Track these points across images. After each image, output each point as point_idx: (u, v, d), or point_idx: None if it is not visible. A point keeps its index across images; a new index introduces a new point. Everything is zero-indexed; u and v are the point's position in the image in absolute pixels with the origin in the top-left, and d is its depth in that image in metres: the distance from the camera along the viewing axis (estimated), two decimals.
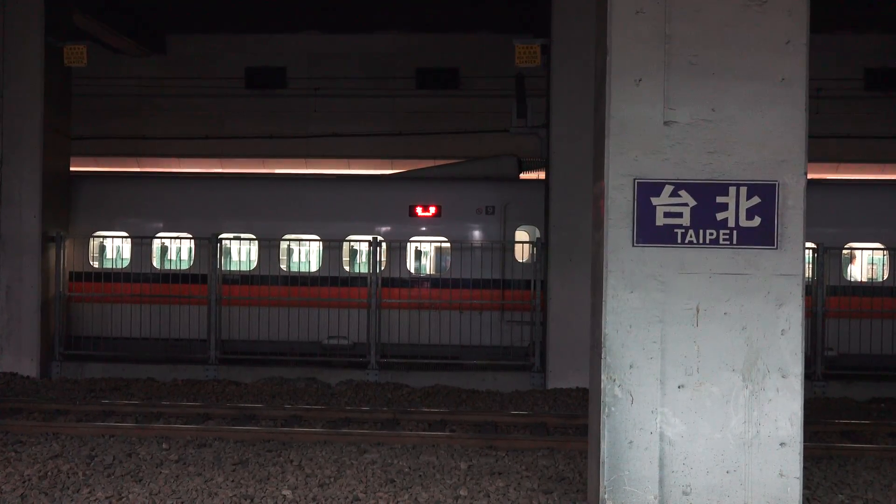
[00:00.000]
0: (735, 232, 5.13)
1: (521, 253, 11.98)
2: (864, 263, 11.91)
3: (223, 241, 11.86)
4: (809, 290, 10.55)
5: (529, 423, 8.83)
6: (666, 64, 5.14)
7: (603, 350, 5.20)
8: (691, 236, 5.14)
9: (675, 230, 5.14)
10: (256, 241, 12.15)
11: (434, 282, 11.93)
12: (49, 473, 6.62)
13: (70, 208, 12.37)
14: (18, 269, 11.45)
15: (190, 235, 12.23)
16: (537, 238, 11.69)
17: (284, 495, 6.16)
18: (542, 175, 12.17)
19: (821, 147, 13.57)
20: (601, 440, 5.20)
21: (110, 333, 11.91)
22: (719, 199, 5.13)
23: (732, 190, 5.12)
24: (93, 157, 16.23)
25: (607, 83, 5.22)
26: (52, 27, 11.55)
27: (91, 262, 12.31)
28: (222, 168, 17.01)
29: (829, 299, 11.00)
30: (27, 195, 11.48)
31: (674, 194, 5.14)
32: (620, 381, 5.18)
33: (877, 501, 6.26)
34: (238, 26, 16.13)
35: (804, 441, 5.18)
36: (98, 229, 12.44)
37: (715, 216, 5.13)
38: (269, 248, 12.09)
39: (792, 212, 5.13)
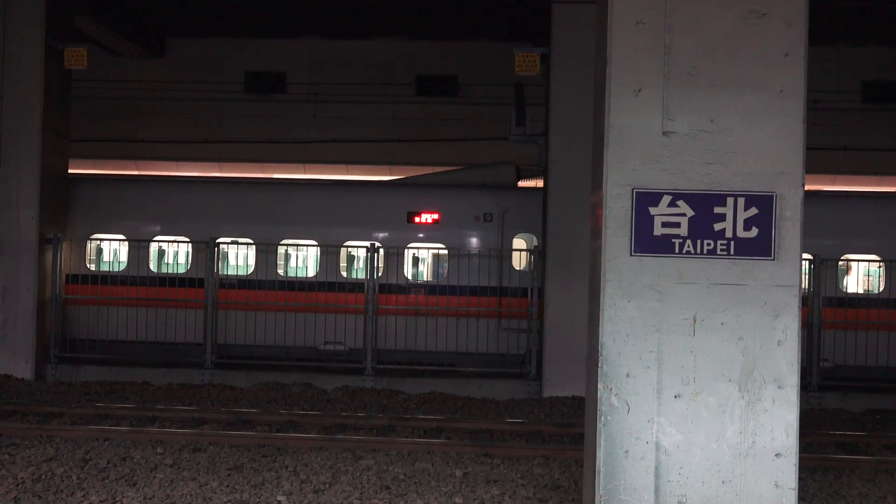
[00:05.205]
0: (732, 242, 5.14)
1: (519, 261, 11.99)
2: (861, 275, 11.94)
3: (220, 245, 11.85)
4: (806, 301, 10.57)
5: (525, 432, 8.83)
6: (665, 74, 5.16)
7: (600, 359, 5.21)
8: (689, 246, 5.15)
9: (673, 240, 5.15)
10: (254, 246, 12.15)
11: (431, 288, 11.93)
12: (43, 476, 6.59)
13: (68, 210, 12.36)
14: (15, 271, 11.44)
15: (187, 239, 12.22)
16: (535, 246, 11.71)
17: (279, 501, 6.15)
18: (540, 183, 12.19)
19: (818, 159, 13.61)
20: (597, 449, 5.20)
21: (106, 336, 11.89)
22: (717, 210, 5.14)
23: (730, 201, 5.13)
24: (91, 159, 16.22)
25: (607, 93, 5.24)
26: (52, 29, 11.56)
27: (88, 265, 12.30)
28: (221, 172, 17.01)
29: (825, 310, 11.02)
30: (25, 196, 11.48)
31: (672, 204, 5.15)
32: (617, 391, 5.18)
33: None
34: (238, 31, 16.15)
35: (800, 452, 5.18)
36: (95, 232, 12.42)
37: (713, 226, 5.14)
38: (266, 253, 12.09)
39: (789, 223, 5.14)
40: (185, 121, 16.63)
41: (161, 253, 12.40)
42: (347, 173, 16.77)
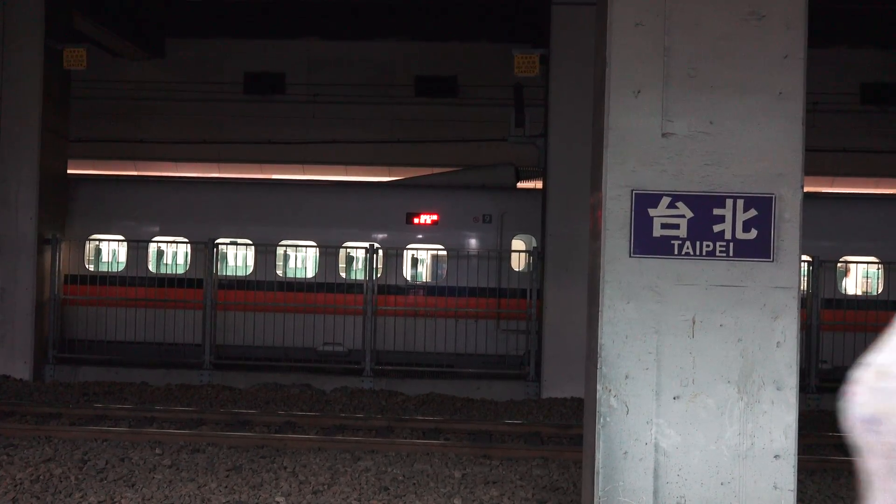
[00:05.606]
0: (732, 244, 5.13)
1: (518, 262, 11.99)
2: (859, 277, 11.95)
3: (219, 246, 11.84)
4: (804, 302, 10.57)
5: (524, 433, 8.82)
6: (665, 76, 5.16)
7: (599, 360, 5.21)
8: (688, 248, 5.15)
9: (672, 241, 5.15)
10: (253, 247, 12.14)
11: (430, 289, 11.93)
12: (41, 477, 6.58)
13: (67, 211, 12.35)
14: (13, 271, 11.43)
15: (186, 240, 12.21)
16: (534, 247, 11.71)
17: (278, 502, 6.14)
18: (539, 184, 12.19)
19: (817, 160, 13.62)
20: (596, 450, 5.20)
21: (104, 337, 11.88)
22: (716, 212, 5.14)
23: (729, 202, 5.13)
24: (91, 159, 16.21)
25: (606, 94, 5.24)
26: (51, 30, 11.56)
27: (87, 266, 12.28)
28: (220, 173, 17.00)
29: (823, 312, 11.03)
30: (24, 197, 11.46)
31: (671, 206, 5.15)
32: (616, 392, 5.18)
33: None
34: (237, 31, 16.14)
35: (798, 453, 5.18)
36: (94, 232, 12.41)
37: (712, 228, 5.14)
38: (265, 254, 12.08)
39: (788, 225, 5.14)
40: (185, 121, 16.62)
41: (160, 253, 12.39)
42: (346, 174, 16.76)
